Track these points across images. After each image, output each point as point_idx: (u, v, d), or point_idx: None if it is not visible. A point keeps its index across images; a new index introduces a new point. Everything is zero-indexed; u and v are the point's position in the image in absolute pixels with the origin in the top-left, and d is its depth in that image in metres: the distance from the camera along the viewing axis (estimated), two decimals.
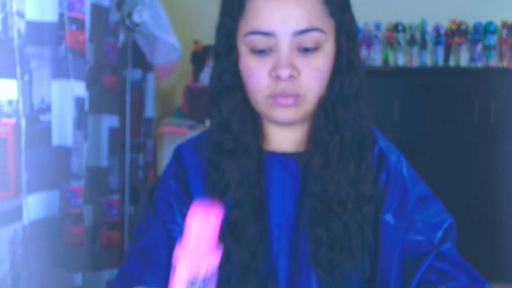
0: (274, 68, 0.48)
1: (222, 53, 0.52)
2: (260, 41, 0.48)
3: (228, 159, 0.52)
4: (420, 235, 0.52)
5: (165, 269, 0.49)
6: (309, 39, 0.48)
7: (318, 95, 0.51)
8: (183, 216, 0.53)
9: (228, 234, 0.51)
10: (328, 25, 0.49)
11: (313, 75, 0.49)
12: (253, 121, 0.54)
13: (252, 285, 0.51)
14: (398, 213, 0.52)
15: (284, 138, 0.55)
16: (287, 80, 0.48)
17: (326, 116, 0.51)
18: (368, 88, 0.53)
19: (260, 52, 0.49)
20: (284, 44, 0.47)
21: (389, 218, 0.52)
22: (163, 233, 0.53)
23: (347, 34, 0.51)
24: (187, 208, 0.52)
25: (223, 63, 0.52)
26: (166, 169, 0.58)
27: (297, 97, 0.49)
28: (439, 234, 0.52)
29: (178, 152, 0.58)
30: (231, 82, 0.52)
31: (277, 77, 0.48)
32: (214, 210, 0.35)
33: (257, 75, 0.49)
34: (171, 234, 0.53)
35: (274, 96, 0.49)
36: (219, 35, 0.52)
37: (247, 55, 0.50)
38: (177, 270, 0.35)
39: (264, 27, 0.47)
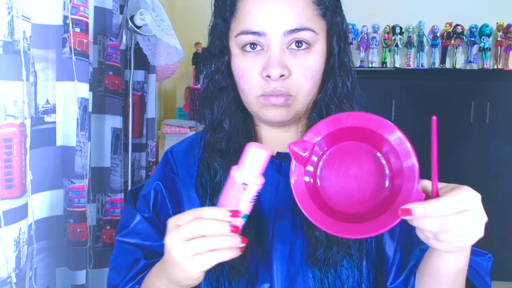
0: (265, 67, 0.48)
1: (215, 54, 0.52)
2: (251, 41, 0.48)
3: (220, 159, 0.52)
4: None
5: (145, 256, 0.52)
6: (299, 38, 0.47)
7: (310, 94, 0.50)
8: (157, 214, 0.55)
9: None
10: (319, 26, 0.49)
11: (303, 75, 0.49)
12: (245, 122, 0.54)
13: (242, 285, 0.51)
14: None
15: (277, 139, 0.55)
16: (278, 79, 0.48)
17: (320, 117, 0.51)
18: (360, 89, 0.53)
19: (251, 48, 0.48)
20: (275, 43, 0.47)
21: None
22: (143, 224, 0.55)
23: (338, 35, 0.51)
24: (169, 206, 0.55)
25: (216, 64, 0.52)
26: (154, 171, 0.59)
27: (288, 97, 0.49)
28: None
29: (169, 154, 0.58)
30: (224, 82, 0.52)
31: (268, 77, 0.48)
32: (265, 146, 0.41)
33: (249, 75, 0.49)
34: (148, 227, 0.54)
35: (265, 96, 0.49)
36: (211, 36, 0.52)
37: (238, 55, 0.50)
38: (235, 187, 0.40)
39: (255, 27, 0.47)
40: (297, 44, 0.48)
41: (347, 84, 0.51)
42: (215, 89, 0.53)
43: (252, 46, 0.49)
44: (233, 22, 0.50)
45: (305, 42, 0.48)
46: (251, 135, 0.55)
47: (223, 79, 0.52)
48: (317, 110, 0.52)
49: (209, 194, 0.53)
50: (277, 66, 0.47)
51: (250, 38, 0.48)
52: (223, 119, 0.52)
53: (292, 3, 0.47)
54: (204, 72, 0.54)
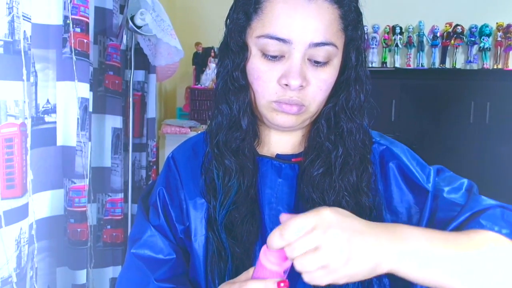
0: (285, 75, 0.47)
1: (234, 50, 0.50)
2: (274, 46, 0.47)
3: (232, 158, 0.51)
4: (449, 195, 0.52)
5: (163, 270, 0.52)
6: (321, 52, 0.47)
7: (320, 106, 0.51)
8: (167, 221, 0.55)
9: (225, 233, 0.51)
10: (340, 40, 0.49)
11: (319, 87, 0.49)
12: (254, 122, 0.53)
13: None
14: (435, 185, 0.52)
15: (279, 141, 0.55)
16: (296, 89, 0.47)
17: (328, 126, 0.52)
18: (372, 101, 0.53)
19: (272, 57, 0.48)
20: (298, 53, 0.47)
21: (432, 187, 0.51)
22: (154, 238, 0.54)
23: (357, 48, 0.51)
24: (172, 214, 0.55)
25: (236, 61, 0.50)
26: (158, 176, 0.59)
27: (301, 107, 0.49)
28: (463, 194, 0.53)
29: (172, 159, 0.57)
30: (244, 81, 0.51)
31: (287, 85, 0.47)
32: None
33: (266, 79, 0.48)
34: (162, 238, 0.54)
35: (279, 102, 0.49)
36: (231, 31, 0.50)
37: (257, 57, 0.49)
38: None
39: (282, 33, 0.46)
40: (316, 62, 0.48)
41: (360, 97, 0.52)
42: (233, 88, 0.51)
43: (273, 56, 0.48)
44: (255, 20, 0.49)
45: (324, 61, 0.48)
46: (257, 136, 0.54)
47: (242, 77, 0.51)
48: (326, 118, 0.52)
49: (213, 194, 0.52)
50: (298, 77, 0.47)
51: (273, 43, 0.47)
52: (241, 118, 0.51)
53: (322, 16, 0.47)
54: (221, 68, 0.52)
